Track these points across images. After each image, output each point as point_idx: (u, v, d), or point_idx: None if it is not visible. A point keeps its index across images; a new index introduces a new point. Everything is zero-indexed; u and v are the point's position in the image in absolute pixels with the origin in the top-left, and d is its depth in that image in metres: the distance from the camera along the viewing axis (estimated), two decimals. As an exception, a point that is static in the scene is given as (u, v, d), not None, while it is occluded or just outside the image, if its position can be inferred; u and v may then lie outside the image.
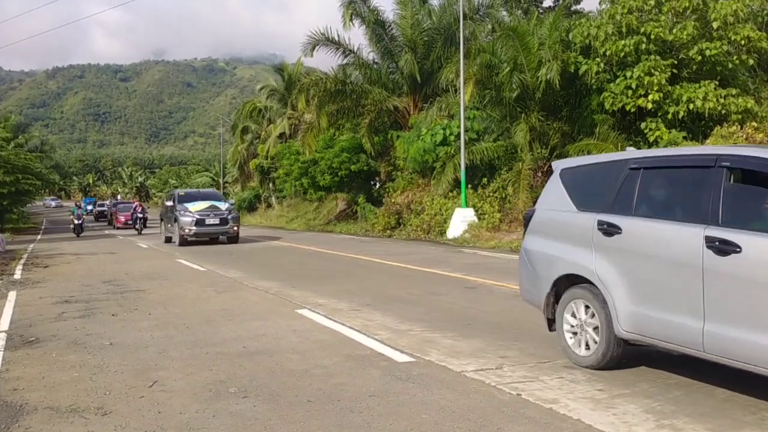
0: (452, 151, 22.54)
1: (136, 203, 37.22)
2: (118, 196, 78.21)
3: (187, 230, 21.31)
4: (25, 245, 24.58)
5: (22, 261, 17.76)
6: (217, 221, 21.62)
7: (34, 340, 7.35)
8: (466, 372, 5.60)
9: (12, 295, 11.07)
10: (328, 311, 8.68)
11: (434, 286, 10.89)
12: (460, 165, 21.04)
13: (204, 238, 22.06)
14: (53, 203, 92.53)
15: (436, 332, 7.24)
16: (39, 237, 31.58)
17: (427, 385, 5.24)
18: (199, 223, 21.31)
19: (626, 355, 6.10)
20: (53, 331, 7.84)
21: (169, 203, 22.70)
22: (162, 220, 24.95)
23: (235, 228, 22.13)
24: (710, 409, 4.59)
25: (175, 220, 21.70)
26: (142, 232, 32.07)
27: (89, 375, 5.81)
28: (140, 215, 33.39)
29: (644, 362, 5.86)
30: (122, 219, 39.36)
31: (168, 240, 23.57)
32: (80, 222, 31.47)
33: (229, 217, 21.98)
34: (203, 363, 6.12)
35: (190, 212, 21.47)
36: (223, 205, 22.42)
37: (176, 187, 77.76)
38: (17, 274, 14.51)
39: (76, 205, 34.12)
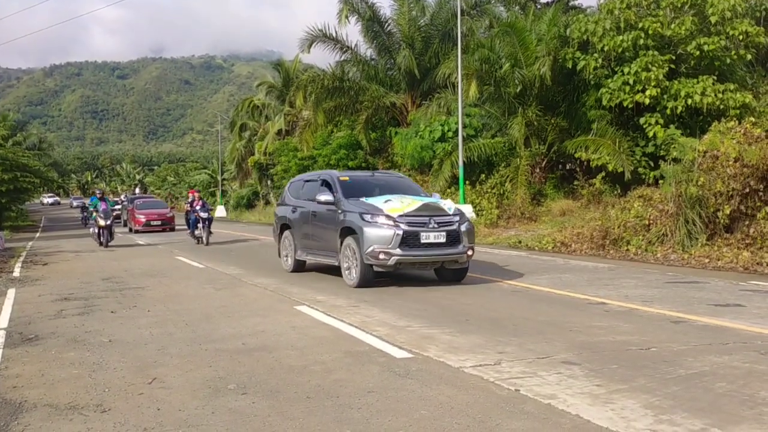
0: (450, 148, 22.55)
1: (193, 194, 22.55)
2: (136, 189, 61.81)
3: (381, 254, 10.07)
4: (24, 243, 24.56)
5: (21, 259, 17.74)
6: (442, 238, 10.35)
7: (34, 337, 7.36)
8: (465, 368, 5.61)
9: (11, 293, 11.07)
10: (327, 308, 8.69)
11: (432, 284, 10.90)
12: (458, 161, 21.06)
13: (416, 268, 11.03)
14: (75, 202, 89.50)
15: (435, 328, 7.25)
16: (38, 235, 31.51)
17: (426, 381, 5.25)
18: (408, 239, 10.16)
19: (624, 352, 6.13)
20: (52, 328, 7.85)
21: (323, 197, 11.33)
22: (288, 228, 12.95)
23: (470, 252, 10.70)
24: (708, 404, 4.60)
25: (346, 231, 10.79)
26: (209, 242, 20.40)
27: (88, 372, 5.81)
28: (204, 214, 20.53)
29: (641, 358, 5.88)
30: (142, 219, 29.03)
31: (298, 268, 12.77)
32: (109, 223, 20.81)
33: (462, 229, 10.59)
34: (202, 360, 6.13)
35: (388, 217, 10.31)
36: (448, 206, 11.27)
37: (182, 184, 76.49)
38: (16, 272, 14.50)
39: (100, 197, 21.99)
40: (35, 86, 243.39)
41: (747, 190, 13.15)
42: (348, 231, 10.70)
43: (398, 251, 10.06)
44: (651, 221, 14.56)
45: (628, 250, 14.41)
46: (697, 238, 13.45)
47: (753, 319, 7.49)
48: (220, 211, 48.60)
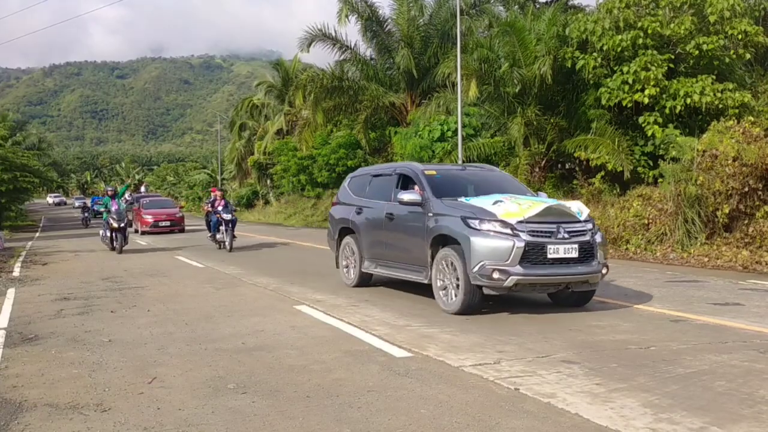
0: (449, 147, 22.55)
1: (215, 193, 19.95)
2: (142, 188, 56.25)
3: (496, 273, 7.67)
4: (24, 243, 24.55)
5: (20, 258, 17.73)
6: (573, 252, 7.98)
7: (33, 337, 7.36)
8: (464, 367, 5.62)
9: (11, 293, 11.06)
10: (327, 307, 8.70)
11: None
12: (457, 161, 21.06)
13: (536, 291, 8.45)
14: (77, 202, 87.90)
15: (435, 327, 7.27)
16: (37, 234, 31.49)
17: (426, 380, 5.26)
18: (531, 254, 7.77)
19: (623, 350, 6.14)
20: (52, 328, 7.85)
21: (407, 196, 9.05)
22: (351, 233, 10.79)
23: (605, 270, 8.34)
24: (707, 402, 4.62)
25: (441, 240, 8.55)
26: (233, 247, 18.21)
27: (88, 372, 5.82)
28: (227, 216, 18.27)
29: (641, 357, 5.89)
30: (149, 219, 27.31)
31: (363, 282, 10.57)
32: (122, 225, 18.48)
33: (598, 240, 8.30)
34: (202, 359, 6.13)
35: (504, 223, 7.89)
36: (575, 209, 8.40)
37: (182, 184, 76.24)
38: (16, 272, 14.49)
39: (112, 195, 19.15)
40: (34, 86, 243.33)
41: (746, 189, 13.17)
42: (443, 240, 8.43)
43: (518, 269, 7.61)
44: (650, 220, 14.58)
45: (627, 249, 14.41)
46: (697, 237, 13.46)
47: (752, 317, 7.50)
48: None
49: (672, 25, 17.87)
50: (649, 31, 17.75)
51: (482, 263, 7.68)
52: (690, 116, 18.39)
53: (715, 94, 17.17)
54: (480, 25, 27.91)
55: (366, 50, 30.28)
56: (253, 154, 47.46)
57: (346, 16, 28.38)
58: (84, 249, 20.41)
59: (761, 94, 19.56)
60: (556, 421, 4.30)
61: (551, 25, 20.63)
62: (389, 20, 29.04)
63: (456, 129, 21.48)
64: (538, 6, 27.66)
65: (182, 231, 27.89)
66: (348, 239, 10.76)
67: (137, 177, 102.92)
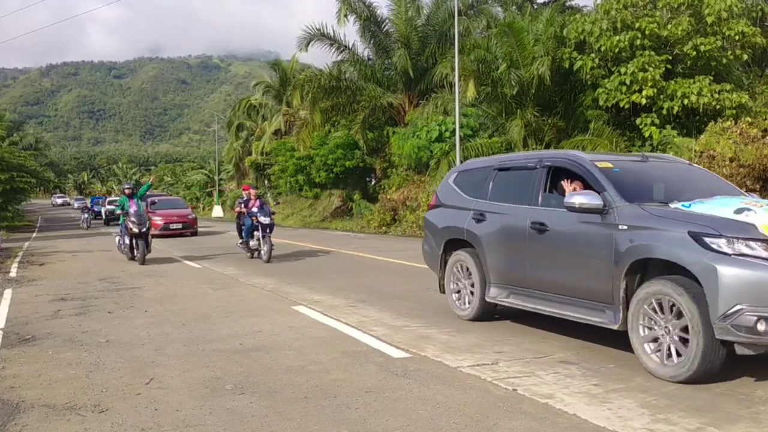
0: (447, 148, 22.55)
1: (248, 190, 16.46)
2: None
3: (762, 323, 4.63)
4: (21, 243, 24.48)
5: (17, 259, 17.69)
6: None
7: (31, 338, 7.35)
8: (462, 367, 5.62)
9: (8, 293, 11.03)
10: (325, 308, 8.69)
11: (430, 282, 10.85)
12: (455, 161, 21.07)
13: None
14: (77, 203, 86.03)
15: (432, 328, 7.26)
16: (34, 235, 31.41)
17: (423, 381, 5.25)
18: None
19: (621, 351, 6.14)
20: (49, 328, 7.84)
21: (581, 199, 5.86)
22: (467, 247, 7.74)
23: None
24: (705, 403, 4.62)
25: (641, 267, 5.53)
26: (271, 257, 14.87)
27: (86, 372, 5.81)
28: (264, 219, 14.99)
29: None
30: (159, 222, 24.80)
31: (485, 314, 7.61)
32: (144, 230, 15.28)
33: None
34: (199, 360, 6.12)
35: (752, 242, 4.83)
36: None
37: (179, 184, 76.03)
38: (13, 272, 14.46)
39: (129, 194, 15.78)
40: (32, 86, 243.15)
41: (744, 190, 13.20)
42: (643, 266, 5.57)
43: None
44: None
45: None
46: (694, 237, 13.47)
47: (749, 318, 7.50)
48: (217, 211, 48.85)
49: (669, 26, 17.91)
50: (647, 32, 17.78)
51: (738, 308, 4.76)
52: (687, 117, 18.44)
53: (712, 95, 17.22)
54: (478, 26, 27.93)
55: (364, 50, 30.32)
56: (250, 154, 47.44)
57: (345, 16, 28.37)
58: (81, 249, 20.37)
59: (758, 94, 19.62)
60: (554, 421, 4.30)
61: (549, 26, 20.66)
62: (387, 20, 29.05)
63: (454, 129, 21.48)
64: (535, 7, 27.68)
65: (195, 234, 25.77)
66: (460, 255, 7.87)
67: (134, 178, 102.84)
